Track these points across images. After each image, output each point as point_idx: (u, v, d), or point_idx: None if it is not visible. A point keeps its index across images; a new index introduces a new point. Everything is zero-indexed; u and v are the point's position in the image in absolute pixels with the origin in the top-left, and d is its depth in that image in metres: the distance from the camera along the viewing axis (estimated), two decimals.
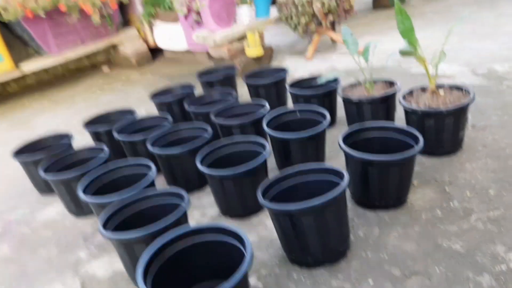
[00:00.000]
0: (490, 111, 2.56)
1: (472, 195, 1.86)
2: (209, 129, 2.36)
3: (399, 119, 2.51)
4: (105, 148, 2.39)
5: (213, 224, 1.48)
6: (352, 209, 1.92)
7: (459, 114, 2.08)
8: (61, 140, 2.71)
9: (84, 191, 1.96)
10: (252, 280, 1.62)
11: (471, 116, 2.50)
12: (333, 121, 2.83)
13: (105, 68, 5.64)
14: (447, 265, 1.51)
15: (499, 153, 2.14)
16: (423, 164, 2.17)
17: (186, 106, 2.79)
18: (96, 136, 2.79)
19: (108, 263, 1.89)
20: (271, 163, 2.43)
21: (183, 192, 1.74)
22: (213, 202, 2.13)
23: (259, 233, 1.90)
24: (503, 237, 1.59)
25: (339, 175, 1.65)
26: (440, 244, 1.62)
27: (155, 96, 3.17)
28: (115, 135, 2.53)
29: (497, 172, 1.99)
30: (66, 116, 4.13)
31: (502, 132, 2.33)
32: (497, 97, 2.71)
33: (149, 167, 2.08)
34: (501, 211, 1.73)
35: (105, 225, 1.66)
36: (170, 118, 2.66)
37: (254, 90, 3.15)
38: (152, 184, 2.01)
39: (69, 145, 2.59)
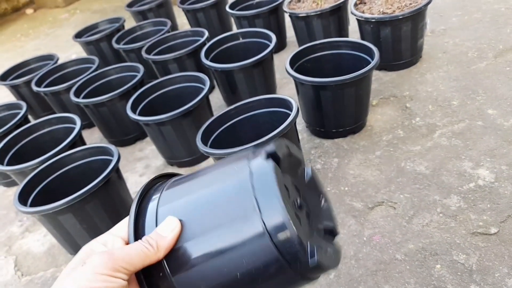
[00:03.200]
0: (450, 12, 2.35)
1: (434, 109, 1.71)
2: (141, 68, 2.05)
3: (354, 33, 2.27)
4: (22, 103, 2.05)
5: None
6: (308, 140, 1.74)
7: (416, 19, 1.85)
8: None
9: None
10: None
11: (429, 20, 2.28)
12: (283, 44, 2.56)
13: (28, 10, 4.98)
14: (412, 190, 1.38)
15: (460, 58, 1.97)
16: (381, 80, 1.98)
17: (113, 43, 2.42)
18: (16, 91, 2.42)
19: (44, 236, 1.67)
20: (219, 99, 2.19)
21: (111, 147, 1.49)
22: (157, 151, 1.90)
23: None
24: (469, 151, 1.46)
25: (287, 105, 1.44)
26: (403, 167, 1.48)
27: (80, 35, 2.76)
28: (34, 86, 2.18)
29: (459, 80, 1.83)
30: None
31: (463, 34, 2.14)
32: None
33: (74, 122, 1.79)
34: (466, 123, 1.59)
35: (24, 196, 1.41)
36: (96, 60, 2.31)
37: (192, 17, 2.78)
38: (80, 141, 1.74)
39: None
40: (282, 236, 0.42)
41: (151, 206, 0.48)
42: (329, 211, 0.49)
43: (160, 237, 0.44)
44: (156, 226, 0.46)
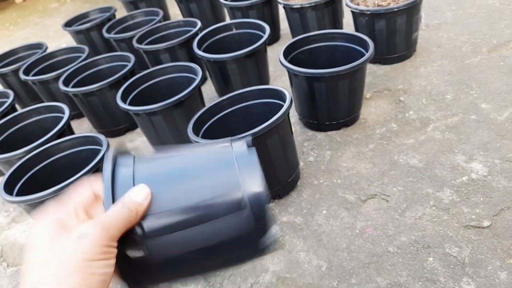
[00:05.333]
0: (444, 7, 2.34)
1: (428, 102, 1.70)
2: (132, 57, 2.01)
3: (348, 26, 2.25)
4: (10, 92, 2.01)
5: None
6: (301, 133, 1.72)
7: (411, 12, 1.84)
8: None
9: None
10: None
11: (424, 14, 2.27)
12: (276, 36, 2.54)
13: None
14: (405, 183, 1.37)
15: (454, 52, 1.96)
16: (375, 73, 1.96)
17: (104, 32, 2.38)
18: (4, 80, 2.37)
19: (31, 227, 1.64)
20: (211, 91, 2.16)
21: (100, 137, 1.46)
22: (148, 142, 1.86)
23: None
24: (463, 145, 1.45)
25: (280, 96, 1.42)
26: (397, 160, 1.47)
27: (70, 24, 2.70)
28: (22, 75, 2.13)
29: (453, 74, 1.82)
30: None
31: (457, 29, 2.13)
32: None
33: (62, 111, 1.75)
34: (459, 117, 1.58)
35: (10, 186, 1.38)
36: (86, 48, 2.27)
37: (185, 8, 2.74)
38: (68, 130, 1.71)
39: None
40: (259, 213, 0.47)
41: (126, 171, 0.47)
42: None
43: (136, 204, 0.42)
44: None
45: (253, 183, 0.48)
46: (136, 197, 0.42)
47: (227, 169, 0.48)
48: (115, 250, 0.39)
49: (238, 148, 0.51)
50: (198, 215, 0.46)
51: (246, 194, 0.47)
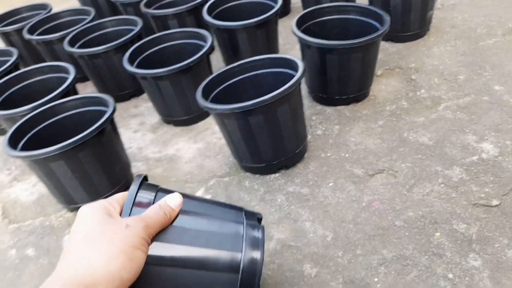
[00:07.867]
0: None
1: (440, 82, 1.67)
2: (140, 21, 1.97)
3: (361, 0, 2.20)
4: (13, 50, 1.96)
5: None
6: (310, 107, 1.70)
7: None
8: None
9: None
10: (200, 192, 1.43)
11: None
12: (287, 10, 2.49)
13: None
14: (414, 160, 1.35)
15: (469, 33, 1.92)
16: (387, 51, 1.93)
17: None
18: (7, 39, 2.32)
19: (33, 186, 1.63)
20: (218, 61, 2.12)
21: (107, 97, 1.43)
22: (153, 108, 1.84)
23: (207, 139, 1.67)
24: (474, 125, 1.43)
25: (293, 66, 1.38)
26: (406, 137, 1.45)
27: None
28: (26, 34, 2.08)
29: (466, 55, 1.79)
30: None
31: (472, 10, 2.09)
32: None
33: (67, 71, 1.71)
34: (471, 97, 1.56)
35: (13, 142, 1.35)
36: (92, 11, 2.21)
37: None
38: (73, 91, 1.67)
39: None
40: (248, 281, 0.53)
41: (148, 194, 0.55)
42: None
43: (171, 209, 0.51)
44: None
45: (253, 253, 0.53)
46: (171, 202, 0.52)
47: (235, 231, 0.54)
48: (148, 246, 0.47)
49: (249, 220, 0.58)
50: (196, 259, 0.51)
51: (244, 260, 0.52)
